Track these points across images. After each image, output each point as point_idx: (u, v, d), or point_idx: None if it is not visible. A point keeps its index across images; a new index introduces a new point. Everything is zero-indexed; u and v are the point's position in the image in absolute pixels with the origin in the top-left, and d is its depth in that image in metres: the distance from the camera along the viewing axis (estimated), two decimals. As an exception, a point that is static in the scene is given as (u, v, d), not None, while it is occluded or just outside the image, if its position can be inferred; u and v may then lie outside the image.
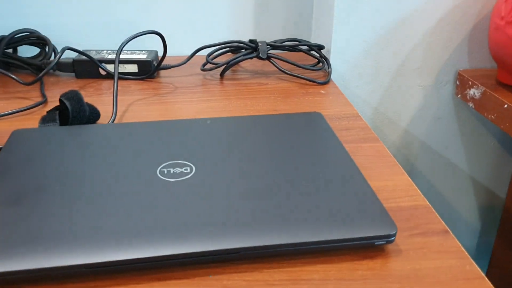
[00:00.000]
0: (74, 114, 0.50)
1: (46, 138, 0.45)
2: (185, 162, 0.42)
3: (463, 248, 0.36)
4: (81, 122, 0.52)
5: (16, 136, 0.45)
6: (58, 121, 0.50)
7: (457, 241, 0.37)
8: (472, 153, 0.82)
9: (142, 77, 0.67)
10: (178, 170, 0.40)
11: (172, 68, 0.69)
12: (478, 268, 0.34)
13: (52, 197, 0.37)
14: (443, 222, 0.38)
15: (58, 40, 0.75)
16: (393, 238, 0.34)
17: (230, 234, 0.33)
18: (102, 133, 0.46)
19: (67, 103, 0.50)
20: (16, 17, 0.74)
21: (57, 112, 0.51)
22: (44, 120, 0.50)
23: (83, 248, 0.32)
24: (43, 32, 0.73)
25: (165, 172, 0.40)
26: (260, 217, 0.35)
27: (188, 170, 0.40)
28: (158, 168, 0.41)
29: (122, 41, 0.77)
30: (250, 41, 0.68)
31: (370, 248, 0.35)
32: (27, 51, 0.72)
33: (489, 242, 0.91)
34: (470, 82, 0.70)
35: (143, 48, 0.74)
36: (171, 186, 0.38)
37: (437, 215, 0.39)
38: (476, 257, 0.93)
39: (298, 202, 0.37)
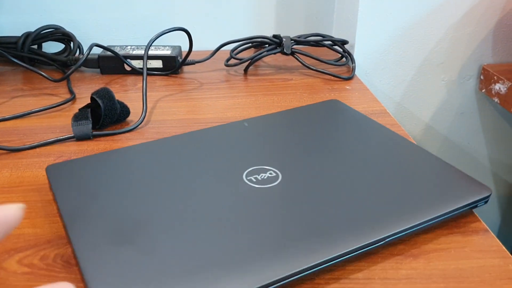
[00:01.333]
0: (106, 112, 0.50)
1: (92, 168, 0.41)
2: (266, 167, 0.41)
3: (504, 248, 0.36)
4: (112, 120, 0.52)
5: (54, 171, 0.41)
6: (90, 119, 0.50)
7: (498, 240, 0.37)
8: (495, 149, 0.81)
9: (166, 72, 0.67)
10: (263, 176, 0.39)
11: (196, 64, 0.69)
12: (522, 268, 0.34)
13: (156, 227, 0.34)
14: (483, 221, 0.39)
15: (81, 35, 0.75)
16: (489, 198, 0.38)
17: (364, 228, 0.34)
18: (136, 155, 0.43)
19: (99, 101, 0.50)
20: (40, 13, 0.74)
21: (89, 110, 0.51)
22: (77, 118, 0.50)
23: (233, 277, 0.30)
24: (67, 28, 0.74)
25: (253, 180, 0.39)
26: (374, 210, 0.36)
27: (274, 175, 0.40)
28: (243, 176, 0.39)
29: (145, 36, 0.77)
30: (274, 36, 0.68)
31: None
32: (50, 47, 0.72)
33: (510, 236, 0.91)
34: (495, 77, 0.70)
35: (166, 43, 0.74)
36: (266, 193, 0.37)
37: (476, 214, 0.39)
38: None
39: (392, 191, 0.38)
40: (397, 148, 0.44)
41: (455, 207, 0.36)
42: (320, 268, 0.32)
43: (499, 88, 0.69)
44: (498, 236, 0.92)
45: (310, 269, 0.31)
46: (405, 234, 0.35)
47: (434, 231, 0.37)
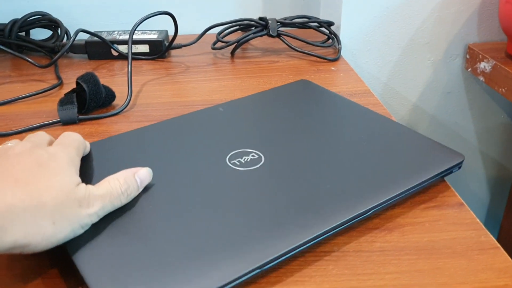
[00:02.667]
0: (91, 96, 0.51)
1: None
2: (248, 150, 0.41)
3: (478, 220, 0.37)
4: (98, 104, 0.53)
5: None
6: (75, 104, 0.50)
7: (472, 213, 0.38)
8: (481, 127, 0.82)
9: (153, 57, 0.68)
10: (246, 158, 0.40)
11: (182, 47, 0.70)
12: (493, 238, 0.35)
13: (145, 214, 0.34)
14: (458, 195, 0.39)
15: (68, 22, 0.75)
16: (461, 163, 0.40)
17: (353, 200, 0.35)
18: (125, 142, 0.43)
19: (84, 85, 0.51)
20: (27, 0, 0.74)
21: (74, 94, 0.51)
22: (62, 103, 0.51)
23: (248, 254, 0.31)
24: (54, 14, 0.74)
25: (237, 163, 0.39)
26: (356, 183, 0.37)
27: (256, 157, 0.40)
28: (226, 160, 0.40)
29: (131, 21, 0.77)
30: (260, 18, 0.69)
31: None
32: (38, 34, 0.72)
33: (497, 214, 0.92)
34: (480, 55, 0.70)
35: (153, 28, 0.74)
36: (250, 175, 0.38)
37: (453, 188, 0.40)
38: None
39: (371, 165, 0.39)
40: (370, 124, 0.45)
41: (430, 176, 0.38)
42: (309, 245, 0.33)
43: (484, 67, 0.70)
44: (487, 214, 0.93)
45: (301, 246, 0.32)
46: (384, 206, 0.36)
47: (411, 206, 0.38)
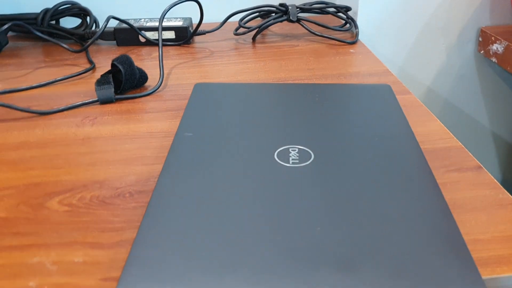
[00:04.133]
0: (127, 76, 0.54)
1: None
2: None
3: (495, 180, 0.40)
4: (132, 84, 0.56)
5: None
6: (112, 83, 0.54)
7: (490, 174, 0.40)
8: (494, 108, 0.85)
9: (179, 43, 0.71)
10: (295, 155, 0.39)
11: (206, 34, 0.73)
12: (510, 196, 0.38)
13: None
14: (476, 160, 0.42)
15: (95, 11, 0.79)
16: None
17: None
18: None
19: (120, 66, 0.54)
20: (56, -11, 0.78)
21: (111, 75, 0.55)
22: (100, 83, 0.54)
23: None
24: (83, 3, 0.77)
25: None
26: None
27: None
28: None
29: (157, 9, 0.81)
30: (280, 4, 0.71)
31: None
32: (67, 23, 0.76)
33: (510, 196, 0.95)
34: (493, 37, 0.73)
35: (177, 15, 0.77)
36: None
37: (470, 153, 0.43)
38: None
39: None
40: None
41: None
42: None
43: (497, 48, 0.72)
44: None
45: None
46: None
47: (432, 169, 0.41)
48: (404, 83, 0.81)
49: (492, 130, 0.87)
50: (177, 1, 0.64)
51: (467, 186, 0.39)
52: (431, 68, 0.80)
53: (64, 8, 0.72)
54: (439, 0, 0.74)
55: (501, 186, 0.39)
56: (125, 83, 0.55)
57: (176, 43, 0.71)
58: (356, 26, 0.72)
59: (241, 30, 0.72)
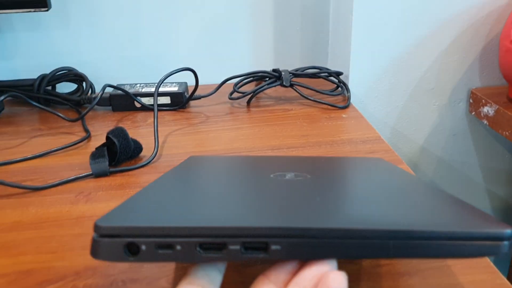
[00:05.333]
0: (122, 150, 0.54)
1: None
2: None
3: (492, 264, 0.39)
4: (127, 156, 0.56)
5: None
6: (107, 157, 0.54)
7: (487, 257, 0.40)
8: (487, 167, 0.85)
9: (175, 108, 0.71)
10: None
11: (201, 98, 0.74)
12: (508, 282, 0.37)
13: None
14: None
15: (92, 75, 0.80)
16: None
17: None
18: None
19: (115, 140, 0.54)
20: (54, 56, 0.79)
21: (105, 148, 0.55)
22: (94, 156, 0.54)
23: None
24: (79, 69, 0.78)
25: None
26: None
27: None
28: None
29: (153, 73, 0.82)
30: (274, 70, 0.73)
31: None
32: (63, 87, 0.77)
33: (506, 255, 0.94)
34: (483, 100, 0.74)
35: (173, 80, 0.78)
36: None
37: (498, 270, 0.43)
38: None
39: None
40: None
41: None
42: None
43: (487, 111, 0.73)
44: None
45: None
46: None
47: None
48: (397, 142, 0.82)
49: (487, 188, 0.87)
50: (172, 71, 0.65)
51: (464, 269, 0.39)
52: (423, 128, 0.81)
53: (61, 74, 0.73)
54: (429, 62, 0.76)
55: (498, 270, 0.39)
56: (119, 156, 0.55)
57: (171, 108, 0.71)
58: (348, 90, 0.73)
59: (236, 94, 0.73)
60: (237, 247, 0.27)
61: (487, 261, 0.40)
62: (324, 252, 0.28)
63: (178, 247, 0.27)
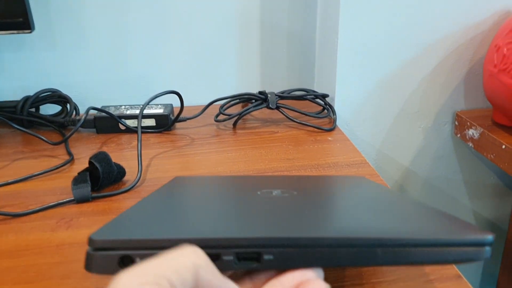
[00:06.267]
0: (104, 175, 0.54)
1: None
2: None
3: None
4: (110, 181, 0.55)
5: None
6: (89, 182, 0.53)
7: (470, 285, 0.40)
8: (473, 189, 0.86)
9: (160, 130, 0.71)
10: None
11: (187, 120, 0.73)
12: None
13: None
14: (456, 267, 0.42)
15: (77, 96, 0.80)
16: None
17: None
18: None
19: (98, 165, 0.53)
20: (38, 77, 0.78)
21: (88, 173, 0.54)
22: (76, 181, 0.53)
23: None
24: (63, 89, 0.78)
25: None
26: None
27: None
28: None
29: (139, 94, 0.82)
30: (260, 92, 0.73)
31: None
32: (47, 108, 0.76)
33: (493, 274, 0.94)
34: (468, 123, 0.75)
35: (158, 102, 0.78)
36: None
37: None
38: (482, 288, 0.96)
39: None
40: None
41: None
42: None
43: (473, 134, 0.74)
44: (483, 271, 0.95)
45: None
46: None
47: (414, 279, 0.40)
48: (383, 165, 0.82)
49: (473, 209, 0.87)
50: (156, 94, 0.65)
51: (447, 299, 0.39)
52: (409, 150, 0.81)
53: (45, 95, 0.72)
54: (414, 86, 0.76)
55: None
56: (102, 181, 0.54)
57: (156, 130, 0.71)
58: (334, 113, 0.73)
59: (222, 116, 0.73)
60: (231, 257, 0.28)
61: (470, 291, 0.39)
62: (315, 260, 0.28)
63: None
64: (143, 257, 0.27)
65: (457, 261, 0.29)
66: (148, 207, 0.36)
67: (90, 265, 0.28)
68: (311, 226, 0.31)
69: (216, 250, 0.28)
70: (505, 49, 0.65)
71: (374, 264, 0.29)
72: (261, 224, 0.32)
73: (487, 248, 0.29)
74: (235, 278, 0.29)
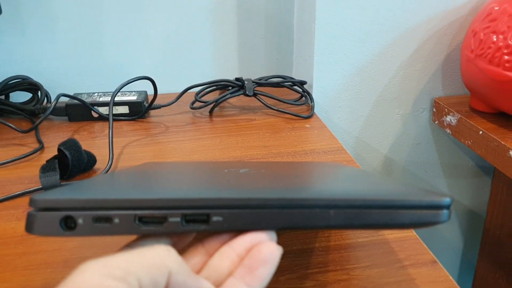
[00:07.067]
0: (74, 163, 0.52)
1: None
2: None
3: (451, 277, 0.39)
4: (80, 169, 0.53)
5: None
6: (58, 170, 0.51)
7: (445, 270, 0.39)
8: (451, 175, 0.86)
9: (133, 117, 0.69)
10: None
11: (162, 108, 0.72)
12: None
13: None
14: (431, 253, 0.41)
15: (48, 83, 0.77)
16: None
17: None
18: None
19: (67, 152, 0.52)
20: (8, 63, 0.76)
21: (56, 161, 0.52)
22: (44, 170, 0.51)
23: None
24: (34, 76, 0.75)
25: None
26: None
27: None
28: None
29: (112, 82, 0.80)
30: (237, 79, 0.71)
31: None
32: (18, 96, 0.74)
33: (471, 261, 0.95)
34: (446, 109, 0.74)
35: (132, 89, 0.76)
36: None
37: (425, 245, 0.42)
38: (460, 276, 0.97)
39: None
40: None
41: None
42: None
43: (450, 120, 0.74)
44: (461, 260, 0.95)
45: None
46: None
47: (387, 264, 0.40)
48: (361, 152, 0.81)
49: (452, 196, 0.87)
50: (129, 80, 0.63)
51: (422, 285, 0.38)
52: (387, 137, 0.81)
53: (14, 82, 0.70)
54: (392, 72, 0.76)
55: (456, 285, 0.38)
56: (71, 169, 0.52)
57: (130, 118, 0.69)
58: (312, 100, 0.72)
59: (198, 104, 0.72)
60: (178, 219, 0.27)
61: (445, 274, 0.39)
62: (265, 222, 0.27)
63: (116, 220, 0.27)
64: (86, 217, 0.27)
65: (414, 224, 0.28)
66: (102, 179, 0.35)
67: (31, 226, 0.27)
68: (263, 189, 0.30)
69: (161, 212, 0.27)
70: (482, 34, 0.65)
71: (327, 227, 0.28)
72: (213, 188, 0.31)
73: (445, 211, 0.28)
74: (188, 246, 0.29)
